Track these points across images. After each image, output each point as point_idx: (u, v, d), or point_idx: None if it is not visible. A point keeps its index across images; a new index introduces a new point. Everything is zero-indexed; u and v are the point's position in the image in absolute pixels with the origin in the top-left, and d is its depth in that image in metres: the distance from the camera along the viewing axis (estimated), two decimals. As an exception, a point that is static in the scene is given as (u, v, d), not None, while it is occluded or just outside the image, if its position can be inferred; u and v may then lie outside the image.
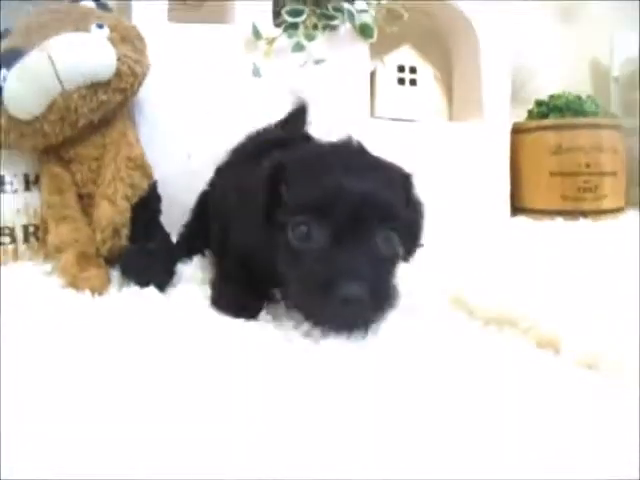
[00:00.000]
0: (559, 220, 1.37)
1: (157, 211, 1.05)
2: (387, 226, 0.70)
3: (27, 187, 1.07)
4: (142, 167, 1.01)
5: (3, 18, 1.20)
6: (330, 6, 1.22)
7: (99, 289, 0.88)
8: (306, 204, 0.69)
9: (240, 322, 0.75)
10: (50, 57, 0.94)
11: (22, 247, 1.06)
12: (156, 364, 0.63)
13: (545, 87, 1.57)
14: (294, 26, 1.20)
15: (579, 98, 1.47)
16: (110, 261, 0.96)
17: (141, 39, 1.08)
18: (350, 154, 0.76)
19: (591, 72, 1.76)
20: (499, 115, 1.42)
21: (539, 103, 1.50)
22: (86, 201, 1.01)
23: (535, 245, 1.15)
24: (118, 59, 0.99)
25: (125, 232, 0.96)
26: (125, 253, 0.94)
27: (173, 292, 0.89)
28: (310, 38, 1.20)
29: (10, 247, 1.05)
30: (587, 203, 1.42)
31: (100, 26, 1.01)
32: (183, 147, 1.19)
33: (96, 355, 0.65)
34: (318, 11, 1.22)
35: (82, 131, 1.00)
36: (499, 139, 1.42)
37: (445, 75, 1.50)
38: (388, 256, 0.71)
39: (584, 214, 1.39)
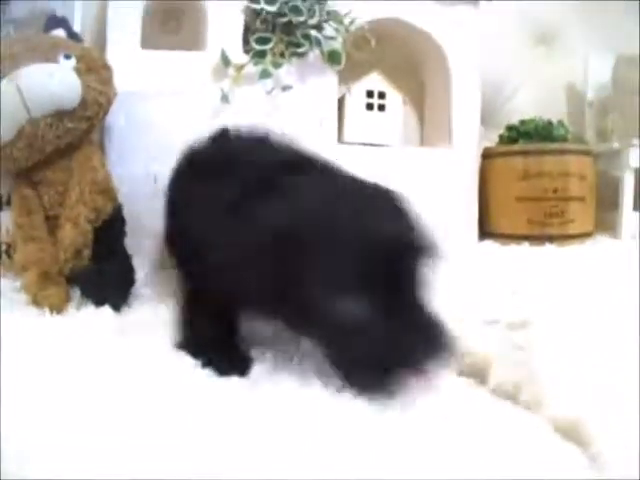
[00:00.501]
0: (525, 245, 1.40)
1: (120, 234, 1.10)
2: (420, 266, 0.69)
3: (0, 207, 1.14)
4: (106, 191, 1.06)
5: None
6: (299, 33, 1.26)
7: (57, 307, 0.96)
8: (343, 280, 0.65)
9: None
10: (18, 86, 1.00)
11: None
12: (101, 384, 0.66)
13: (521, 111, 1.60)
14: (262, 53, 1.25)
15: (549, 123, 1.51)
16: (72, 281, 1.02)
17: (107, 69, 1.13)
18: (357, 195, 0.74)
19: (567, 97, 1.80)
20: (468, 141, 1.46)
21: (509, 128, 1.54)
22: (53, 222, 1.06)
23: (499, 271, 1.18)
24: (83, 89, 1.04)
25: (87, 253, 1.01)
26: (84, 273, 1.00)
27: (128, 312, 0.96)
28: (277, 65, 1.25)
29: None
30: (554, 228, 1.45)
31: (67, 57, 1.06)
32: (150, 171, 1.23)
33: (42, 370, 0.68)
34: (286, 39, 1.26)
35: (50, 156, 1.06)
36: (467, 164, 1.46)
37: (418, 101, 1.55)
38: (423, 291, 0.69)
39: (551, 239, 1.43)
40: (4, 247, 1.14)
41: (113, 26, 1.26)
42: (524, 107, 1.65)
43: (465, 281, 1.09)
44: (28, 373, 0.67)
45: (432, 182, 1.41)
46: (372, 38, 1.32)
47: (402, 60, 1.53)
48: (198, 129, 1.26)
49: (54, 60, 1.05)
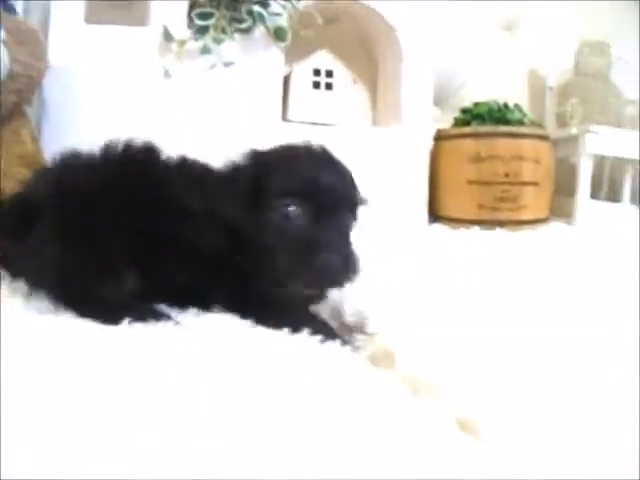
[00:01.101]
0: (475, 229, 1.37)
1: None
2: (352, 212, 0.86)
3: None
4: (34, 164, 1.10)
5: None
6: (243, 9, 1.27)
7: None
8: (291, 191, 0.81)
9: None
10: None
11: None
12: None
13: (480, 95, 1.59)
14: (203, 29, 1.26)
15: (505, 106, 1.50)
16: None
17: (39, 42, 1.15)
18: (321, 152, 0.88)
19: (529, 82, 1.78)
20: (418, 121, 1.45)
21: (464, 110, 1.54)
22: None
23: (446, 256, 1.16)
24: (12, 61, 1.07)
25: None
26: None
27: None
28: (218, 41, 1.27)
29: None
30: (505, 213, 1.44)
31: None
32: (87, 147, 1.22)
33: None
34: (229, 14, 1.26)
35: None
36: (417, 145, 1.45)
37: (372, 81, 1.54)
38: (350, 235, 0.86)
39: (502, 224, 1.40)
40: None
41: (57, 1, 1.28)
42: (484, 91, 1.62)
43: (407, 263, 1.10)
44: None
45: (380, 162, 1.41)
46: (318, 16, 1.32)
47: (355, 39, 1.54)
48: (136, 104, 1.29)
49: None
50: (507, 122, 1.47)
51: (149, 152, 0.91)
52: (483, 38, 1.75)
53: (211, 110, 1.32)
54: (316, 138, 1.34)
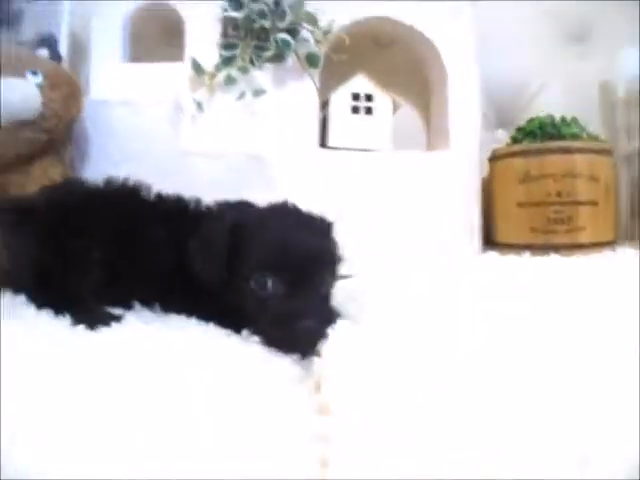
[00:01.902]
0: (526, 255, 1.24)
1: None
2: (329, 272, 0.93)
3: None
4: None
5: None
6: (272, 38, 1.27)
7: None
8: (266, 263, 0.87)
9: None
10: None
11: None
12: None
13: (550, 111, 1.45)
14: (229, 60, 1.28)
15: (563, 120, 1.39)
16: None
17: (72, 84, 1.29)
18: (290, 214, 0.96)
19: (599, 95, 1.62)
20: (466, 143, 1.38)
21: (518, 128, 1.44)
22: None
23: (489, 287, 1.06)
24: (43, 103, 1.20)
25: None
26: None
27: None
28: (244, 70, 1.27)
29: None
30: (560, 236, 1.32)
31: (34, 73, 1.22)
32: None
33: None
34: (254, 44, 1.27)
35: (12, 161, 1.21)
36: (465, 168, 1.38)
37: (423, 104, 1.52)
38: (328, 293, 0.94)
39: (556, 248, 1.27)
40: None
41: (96, 41, 1.38)
42: (553, 107, 1.49)
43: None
44: None
45: (425, 187, 1.36)
46: (347, 39, 1.31)
47: (411, 64, 1.50)
48: (163, 137, 1.32)
49: (21, 75, 1.20)
50: (560, 137, 1.36)
51: (138, 188, 1.02)
52: (550, 53, 1.64)
53: (245, 139, 1.33)
54: (356, 164, 1.33)
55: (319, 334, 0.81)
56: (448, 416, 0.60)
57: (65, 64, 1.38)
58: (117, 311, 0.91)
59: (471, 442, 0.57)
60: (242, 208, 0.99)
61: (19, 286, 0.94)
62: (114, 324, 0.86)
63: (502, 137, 1.55)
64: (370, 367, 0.73)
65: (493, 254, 1.34)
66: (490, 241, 1.44)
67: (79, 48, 1.48)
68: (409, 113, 1.52)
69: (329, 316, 0.87)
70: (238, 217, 0.93)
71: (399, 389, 0.66)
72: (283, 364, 0.81)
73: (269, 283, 0.86)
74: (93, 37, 1.38)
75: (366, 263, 1.30)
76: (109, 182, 1.03)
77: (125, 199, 1.00)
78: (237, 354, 0.80)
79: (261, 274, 0.86)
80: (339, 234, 0.98)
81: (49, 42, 1.33)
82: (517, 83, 1.58)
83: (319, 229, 0.95)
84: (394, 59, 1.51)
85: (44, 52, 1.31)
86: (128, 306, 0.95)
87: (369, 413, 0.63)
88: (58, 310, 0.87)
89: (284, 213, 0.95)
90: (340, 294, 1.09)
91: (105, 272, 0.92)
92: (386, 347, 0.81)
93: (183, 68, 1.34)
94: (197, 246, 0.92)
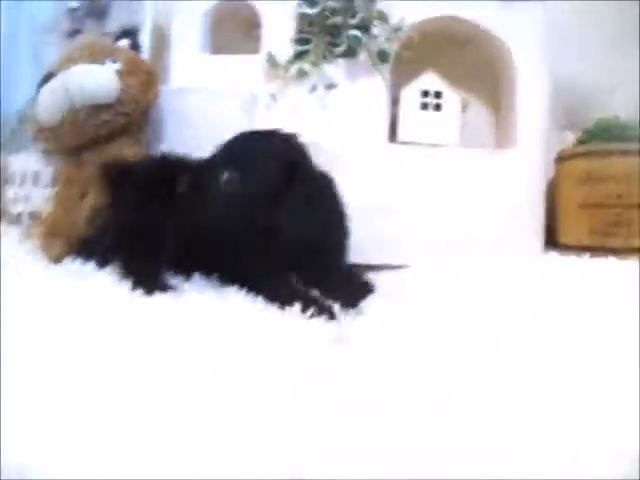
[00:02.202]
0: (585, 257, 1.25)
1: None
2: None
3: (54, 183, 1.39)
4: None
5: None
6: (345, 34, 1.31)
7: (54, 258, 1.19)
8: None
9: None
10: (65, 81, 1.26)
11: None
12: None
13: (620, 112, 1.46)
14: (302, 54, 1.34)
15: (627, 122, 1.38)
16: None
17: (149, 73, 1.37)
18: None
19: None
20: (533, 143, 1.39)
21: (585, 130, 1.44)
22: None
23: (549, 289, 1.08)
24: (122, 88, 1.28)
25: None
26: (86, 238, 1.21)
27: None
28: (315, 64, 1.32)
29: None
30: (618, 239, 1.31)
31: (113, 60, 1.31)
32: None
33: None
34: (327, 39, 1.32)
35: (91, 141, 1.29)
36: (531, 168, 1.39)
37: (495, 104, 1.53)
38: None
39: (615, 252, 1.27)
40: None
41: (177, 33, 1.45)
42: (623, 109, 1.49)
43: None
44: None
45: (491, 185, 1.38)
46: (416, 36, 1.34)
47: (480, 62, 1.51)
48: (237, 127, 1.37)
49: (101, 62, 1.29)
50: (625, 139, 1.35)
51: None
52: (623, 52, 1.61)
53: (316, 133, 1.31)
54: (423, 159, 1.36)
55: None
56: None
57: (147, 54, 1.49)
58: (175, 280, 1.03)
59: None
60: None
61: (96, 248, 1.12)
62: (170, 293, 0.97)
63: (570, 139, 1.54)
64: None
65: (554, 255, 1.37)
66: (552, 242, 1.44)
67: (161, 40, 1.57)
68: (479, 111, 1.53)
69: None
70: None
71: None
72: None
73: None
74: (174, 30, 1.45)
75: (426, 257, 1.37)
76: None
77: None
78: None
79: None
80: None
81: (130, 33, 1.42)
82: (588, 84, 1.57)
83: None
84: (465, 57, 1.52)
85: (125, 42, 1.39)
86: (188, 275, 1.07)
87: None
88: (127, 273, 1.01)
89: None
90: (391, 283, 1.15)
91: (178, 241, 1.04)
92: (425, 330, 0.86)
93: (259, 61, 1.39)
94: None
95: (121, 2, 1.60)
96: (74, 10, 1.52)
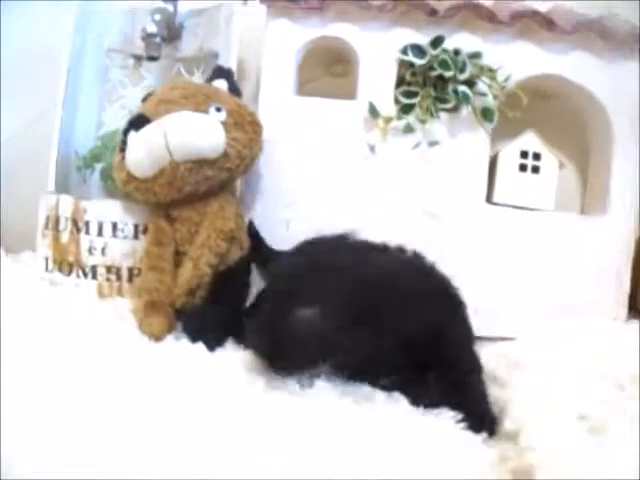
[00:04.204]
0: None
1: (243, 282, 1.19)
2: None
3: (136, 235, 1.24)
4: (233, 239, 1.14)
5: (156, 78, 1.45)
6: (449, 88, 1.22)
7: (157, 335, 1.06)
8: None
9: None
10: (165, 132, 1.10)
11: (126, 285, 1.24)
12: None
13: None
14: (408, 107, 1.23)
15: None
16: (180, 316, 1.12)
17: (256, 125, 1.20)
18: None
19: None
20: (625, 210, 1.31)
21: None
22: (181, 258, 1.14)
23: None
24: (227, 143, 1.12)
25: (200, 293, 1.09)
26: (189, 311, 1.09)
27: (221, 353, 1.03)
28: (422, 121, 1.22)
29: (116, 284, 1.24)
30: None
31: (218, 109, 1.15)
32: (283, 217, 1.27)
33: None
34: (434, 93, 1.22)
35: (188, 197, 1.15)
36: (623, 236, 1.31)
37: (581, 166, 1.44)
38: None
39: None
40: (136, 272, 1.22)
41: (267, 73, 1.30)
42: None
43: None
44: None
45: (581, 251, 1.30)
46: (525, 97, 1.24)
47: (567, 120, 1.43)
48: (337, 179, 1.27)
49: (205, 111, 1.14)
50: None
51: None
52: None
53: (414, 189, 1.28)
54: (519, 222, 1.29)
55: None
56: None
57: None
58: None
59: None
60: None
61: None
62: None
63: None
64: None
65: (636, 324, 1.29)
66: (633, 308, 1.35)
67: (242, 74, 1.42)
68: (566, 172, 1.43)
69: None
70: None
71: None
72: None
73: None
74: (264, 67, 1.29)
75: (517, 323, 1.31)
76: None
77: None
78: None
79: None
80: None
81: (226, 73, 1.24)
82: None
83: None
84: (552, 114, 1.42)
85: (222, 84, 1.22)
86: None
87: None
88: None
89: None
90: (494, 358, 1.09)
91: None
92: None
93: (354, 107, 1.28)
94: None
95: (196, 26, 1.43)
96: (150, 35, 1.36)
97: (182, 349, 1.01)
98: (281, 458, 0.67)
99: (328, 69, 1.46)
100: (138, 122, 1.14)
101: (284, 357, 0.87)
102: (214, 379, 0.89)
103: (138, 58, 1.46)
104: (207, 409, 0.78)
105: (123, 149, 1.15)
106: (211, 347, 1.02)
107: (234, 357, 0.99)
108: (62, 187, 1.33)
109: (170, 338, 1.06)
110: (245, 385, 0.88)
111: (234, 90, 1.22)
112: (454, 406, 0.84)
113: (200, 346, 1.02)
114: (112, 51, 1.45)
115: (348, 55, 1.35)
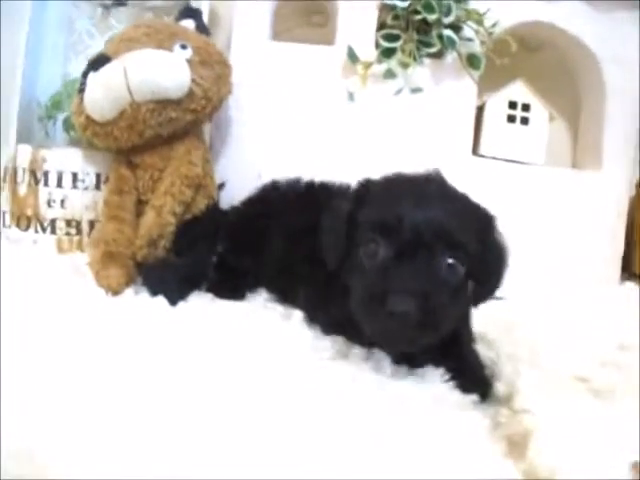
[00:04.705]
0: None
1: (206, 233, 1.07)
2: (451, 254, 0.72)
3: (97, 186, 1.15)
4: (200, 187, 1.07)
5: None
6: (433, 33, 1.14)
7: (114, 288, 0.96)
8: (375, 223, 0.74)
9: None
10: (125, 69, 1.01)
11: (86, 239, 1.16)
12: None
13: None
14: (389, 52, 1.14)
15: None
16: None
17: (224, 65, 1.12)
18: (428, 184, 0.78)
19: None
20: (619, 166, 1.25)
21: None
22: (144, 208, 1.06)
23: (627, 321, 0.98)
24: (192, 81, 1.03)
25: (162, 243, 1.01)
26: (150, 263, 1.01)
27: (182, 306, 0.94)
28: (404, 66, 1.14)
29: (76, 238, 1.16)
30: None
31: (184, 47, 1.06)
32: (256, 166, 1.19)
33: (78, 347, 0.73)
34: (417, 37, 1.14)
35: (150, 141, 1.06)
36: (615, 192, 1.24)
37: (573, 118, 1.36)
38: (450, 282, 0.73)
39: None
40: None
41: (240, 17, 1.22)
42: None
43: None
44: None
45: (574, 208, 1.23)
46: (514, 43, 1.15)
47: (558, 71, 1.35)
48: (313, 127, 1.19)
49: (169, 48, 1.05)
50: None
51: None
52: None
53: (395, 139, 1.20)
54: (507, 176, 1.22)
55: (412, 322, 0.67)
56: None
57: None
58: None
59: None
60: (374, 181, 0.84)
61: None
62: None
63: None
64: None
65: (631, 286, 1.24)
66: (626, 269, 1.29)
67: (216, 22, 1.33)
68: (556, 126, 1.35)
69: (436, 306, 0.69)
70: (366, 180, 0.83)
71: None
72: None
73: (376, 248, 0.73)
74: (237, 11, 1.21)
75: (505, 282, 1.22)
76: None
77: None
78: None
79: (369, 237, 0.74)
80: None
81: (194, 12, 1.15)
82: None
83: (460, 209, 0.77)
84: (542, 65, 1.35)
85: (189, 23, 1.14)
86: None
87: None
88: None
89: (419, 183, 0.79)
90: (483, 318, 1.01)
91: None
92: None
93: (333, 53, 1.19)
94: (320, 237, 0.83)
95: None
96: (116, -21, 1.27)
97: (141, 304, 0.92)
98: (239, 411, 0.60)
99: (308, 19, 1.38)
100: (98, 62, 1.05)
101: None
102: (174, 335, 0.80)
103: (106, 7, 1.36)
104: (165, 366, 0.70)
105: (82, 90, 1.05)
106: (173, 301, 0.92)
107: (197, 312, 0.90)
108: (25, 141, 1.23)
109: (129, 292, 0.97)
110: (209, 340, 0.80)
111: (202, 29, 1.14)
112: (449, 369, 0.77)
113: (161, 300, 0.92)
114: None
115: (327, 3, 1.27)
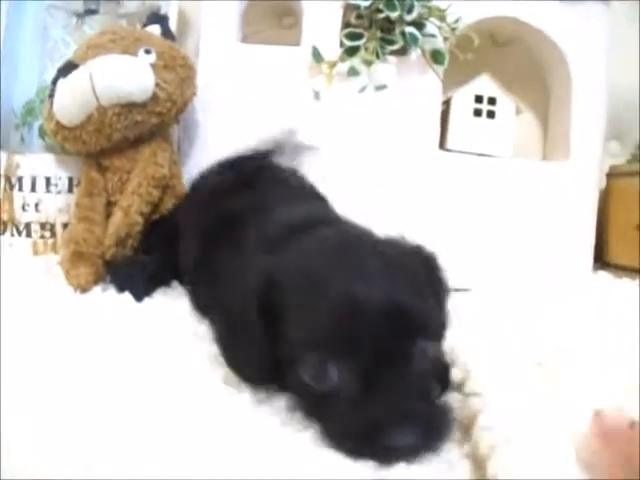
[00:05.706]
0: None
1: (174, 230, 1.08)
2: (424, 337, 0.58)
3: (70, 189, 1.18)
4: (167, 187, 1.10)
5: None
6: (396, 31, 1.14)
7: (83, 286, 0.97)
8: (320, 338, 0.56)
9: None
10: (90, 74, 1.03)
11: (60, 242, 1.18)
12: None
13: None
14: (353, 50, 1.15)
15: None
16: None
17: (188, 68, 1.14)
18: (363, 259, 0.61)
19: None
20: (587, 157, 1.24)
21: (641, 146, 1.28)
22: (112, 209, 1.08)
23: (601, 310, 0.97)
24: (156, 84, 1.06)
25: (130, 242, 1.03)
26: (118, 261, 1.02)
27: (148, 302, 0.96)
28: (367, 63, 1.14)
29: (50, 241, 1.19)
30: None
31: (148, 52, 1.08)
32: None
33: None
34: (380, 35, 1.15)
35: (118, 144, 1.09)
36: (584, 183, 1.24)
37: (542, 111, 1.37)
38: (427, 372, 0.58)
39: None
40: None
41: (208, 20, 1.23)
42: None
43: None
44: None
45: (543, 199, 1.23)
46: (477, 38, 1.15)
47: (527, 66, 1.35)
48: (280, 127, 1.20)
49: (134, 53, 1.07)
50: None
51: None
52: None
53: (362, 136, 1.20)
54: (475, 169, 1.22)
55: (419, 445, 0.52)
56: None
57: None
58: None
59: None
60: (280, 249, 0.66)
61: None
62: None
63: (615, 150, 1.41)
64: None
65: (604, 275, 1.23)
66: (599, 259, 1.29)
67: (185, 26, 1.35)
68: (524, 118, 1.36)
69: (436, 417, 0.55)
70: (273, 267, 0.63)
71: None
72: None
73: (331, 373, 0.55)
74: (205, 15, 1.22)
75: (473, 273, 1.23)
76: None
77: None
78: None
79: (315, 359, 0.56)
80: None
81: (161, 19, 1.18)
82: (636, 93, 1.39)
83: (407, 281, 0.60)
84: (511, 60, 1.36)
85: (155, 29, 1.16)
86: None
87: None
88: None
89: (347, 259, 0.61)
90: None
91: None
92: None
93: (299, 53, 1.20)
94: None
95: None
96: (88, -12, 1.29)
97: (108, 300, 0.94)
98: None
99: (279, 21, 1.40)
100: (66, 68, 1.07)
101: None
102: (140, 331, 0.81)
103: (79, 15, 1.38)
104: (133, 361, 0.70)
105: (52, 96, 1.08)
106: (138, 297, 0.95)
107: (162, 308, 0.92)
108: (4, 148, 1.24)
109: (97, 289, 0.98)
110: (173, 336, 0.80)
111: (168, 34, 1.16)
112: None
113: (127, 296, 0.94)
114: (53, 8, 1.38)
115: (295, 4, 1.27)
